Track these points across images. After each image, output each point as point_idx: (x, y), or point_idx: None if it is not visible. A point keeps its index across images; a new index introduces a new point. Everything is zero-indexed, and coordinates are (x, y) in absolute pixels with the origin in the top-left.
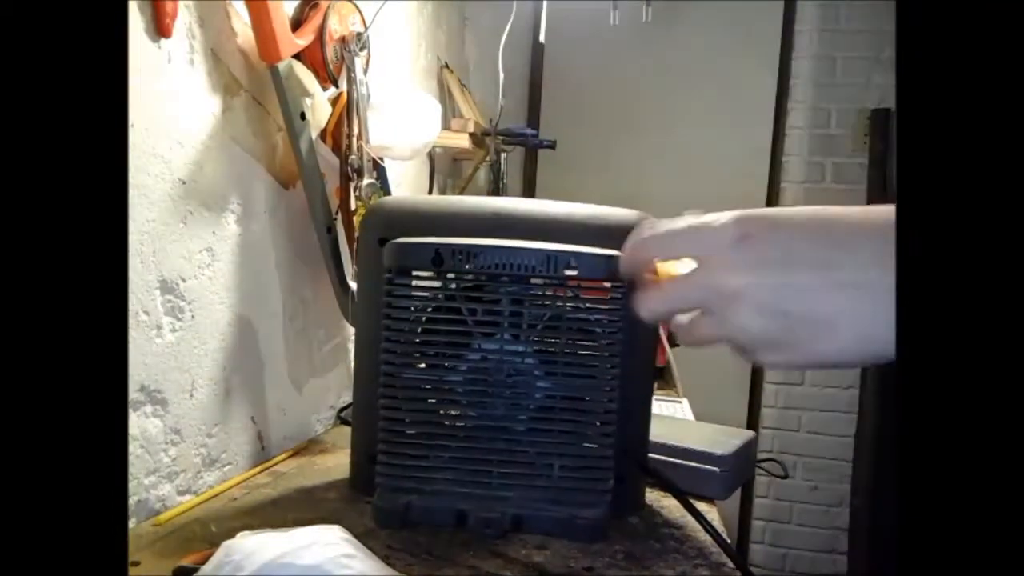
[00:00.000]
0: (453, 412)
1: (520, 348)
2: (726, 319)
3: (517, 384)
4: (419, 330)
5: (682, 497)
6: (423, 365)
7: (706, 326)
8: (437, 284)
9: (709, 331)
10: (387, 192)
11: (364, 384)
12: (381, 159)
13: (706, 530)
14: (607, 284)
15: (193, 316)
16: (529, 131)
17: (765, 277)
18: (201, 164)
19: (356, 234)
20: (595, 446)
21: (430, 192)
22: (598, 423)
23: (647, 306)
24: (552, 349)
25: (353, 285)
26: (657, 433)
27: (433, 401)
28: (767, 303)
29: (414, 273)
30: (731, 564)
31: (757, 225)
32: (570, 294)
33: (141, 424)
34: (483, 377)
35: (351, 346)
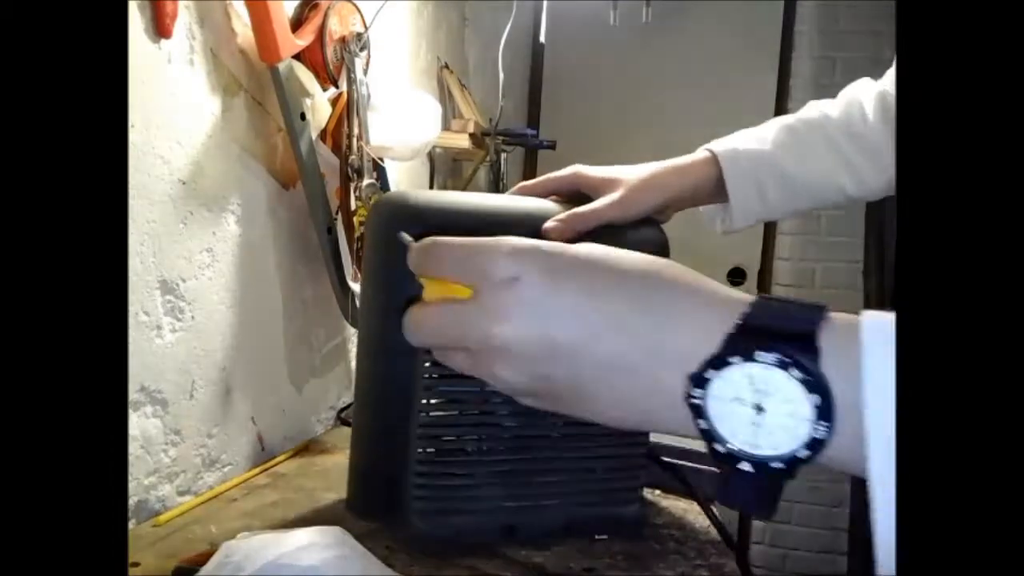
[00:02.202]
0: (491, 425)
1: None
2: (486, 367)
3: None
4: None
5: (690, 490)
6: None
7: (463, 362)
8: None
9: (466, 368)
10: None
11: (365, 385)
12: (381, 159)
13: (712, 522)
14: None
15: (193, 316)
16: (529, 131)
17: (529, 330)
18: (201, 164)
19: (356, 234)
20: (627, 447)
21: None
22: None
23: (409, 332)
24: None
25: (353, 285)
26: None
27: (476, 413)
28: (528, 364)
29: None
30: (731, 564)
31: (530, 266)
32: None
33: (141, 424)
34: None
35: (351, 346)
